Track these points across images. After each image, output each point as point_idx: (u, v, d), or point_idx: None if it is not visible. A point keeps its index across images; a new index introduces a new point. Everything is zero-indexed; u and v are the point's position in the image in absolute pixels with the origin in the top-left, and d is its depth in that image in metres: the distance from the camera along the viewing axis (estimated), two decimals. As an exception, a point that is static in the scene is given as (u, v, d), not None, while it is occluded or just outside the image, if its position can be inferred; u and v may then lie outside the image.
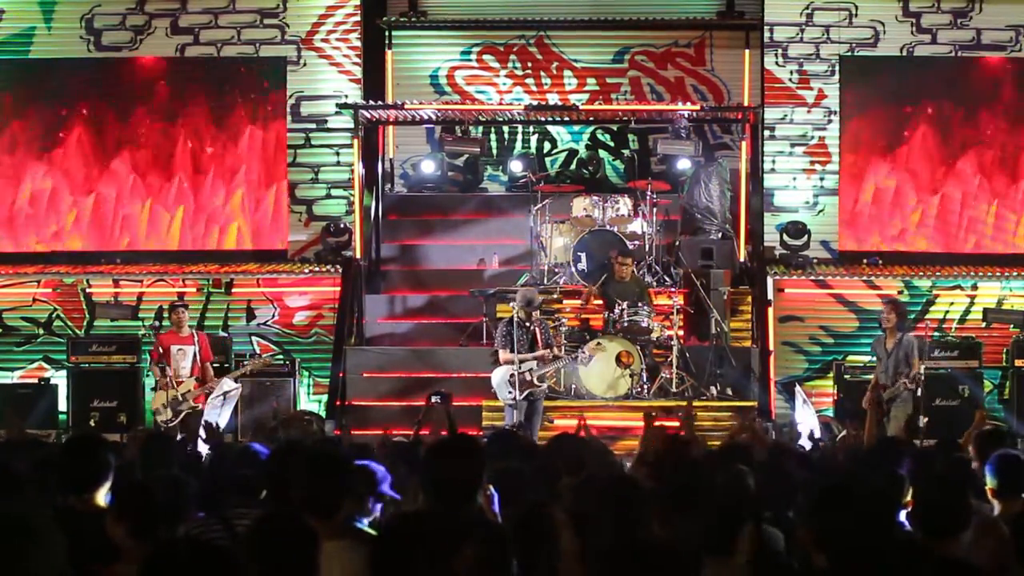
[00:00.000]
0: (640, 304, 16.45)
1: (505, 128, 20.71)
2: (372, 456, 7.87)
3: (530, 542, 5.47)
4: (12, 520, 4.49)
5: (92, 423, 17.36)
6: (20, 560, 4.31)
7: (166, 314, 17.66)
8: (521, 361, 15.47)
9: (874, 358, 16.07)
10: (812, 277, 18.69)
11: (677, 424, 12.79)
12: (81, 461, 6.65)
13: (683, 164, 18.88)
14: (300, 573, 4.76)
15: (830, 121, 19.17)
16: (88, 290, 19.10)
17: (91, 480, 6.58)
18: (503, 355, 15.65)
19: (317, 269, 18.86)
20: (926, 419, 16.19)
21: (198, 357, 16.17)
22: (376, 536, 5.00)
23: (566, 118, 19.73)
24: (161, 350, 16.09)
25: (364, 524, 6.24)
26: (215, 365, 17.05)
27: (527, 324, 15.69)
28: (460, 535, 4.81)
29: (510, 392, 15.47)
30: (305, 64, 19.54)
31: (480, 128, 20.08)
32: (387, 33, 20.47)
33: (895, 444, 9.60)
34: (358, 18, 19.56)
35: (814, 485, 5.96)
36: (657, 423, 10.04)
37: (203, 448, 13.38)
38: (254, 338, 18.82)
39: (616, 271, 16.76)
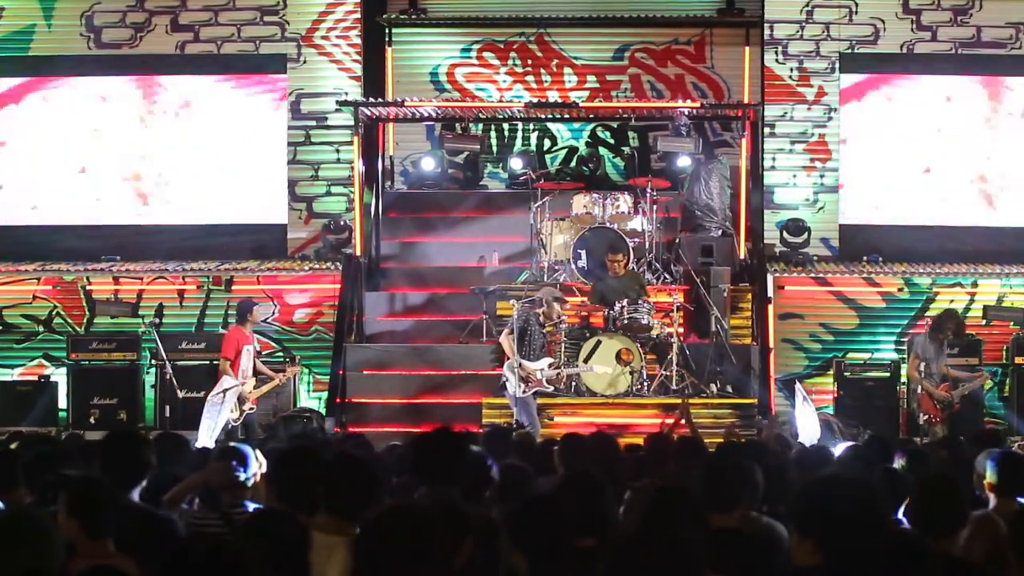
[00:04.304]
0: (640, 301, 16.45)
1: (505, 125, 20.69)
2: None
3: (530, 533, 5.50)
4: (14, 517, 4.52)
5: (92, 421, 17.36)
6: (23, 555, 4.34)
7: (232, 311, 17.58)
8: (525, 361, 15.53)
9: (909, 355, 16.32)
10: (812, 274, 18.71)
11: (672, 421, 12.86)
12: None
13: (683, 161, 18.86)
14: (292, 567, 4.79)
15: (830, 118, 19.18)
16: (88, 287, 19.10)
17: None
18: (505, 337, 15.55)
19: (317, 266, 18.87)
20: (926, 417, 16.24)
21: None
22: (360, 529, 5.04)
23: (566, 115, 19.70)
24: (237, 349, 16.02)
25: None
26: (214, 363, 17.03)
27: (541, 326, 15.79)
28: (453, 530, 4.82)
29: (514, 386, 15.50)
30: (305, 61, 19.56)
31: (480, 125, 20.09)
32: (387, 30, 20.47)
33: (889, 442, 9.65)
34: (358, 15, 19.58)
35: (803, 480, 5.99)
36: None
37: (208, 444, 13.46)
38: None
39: (608, 268, 16.79)
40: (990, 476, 7.17)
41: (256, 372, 16.27)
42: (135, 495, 6.62)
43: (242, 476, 6.92)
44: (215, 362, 16.88)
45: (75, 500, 5.82)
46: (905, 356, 17.81)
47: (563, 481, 6.38)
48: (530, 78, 20.58)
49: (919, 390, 16.37)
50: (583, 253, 17.44)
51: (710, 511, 5.90)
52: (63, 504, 5.87)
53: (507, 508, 5.84)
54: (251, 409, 15.94)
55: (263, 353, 18.20)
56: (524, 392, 15.48)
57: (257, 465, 7.08)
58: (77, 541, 5.67)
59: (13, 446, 9.07)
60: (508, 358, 15.74)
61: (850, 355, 18.30)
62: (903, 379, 17.65)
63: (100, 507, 5.80)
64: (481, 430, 13.57)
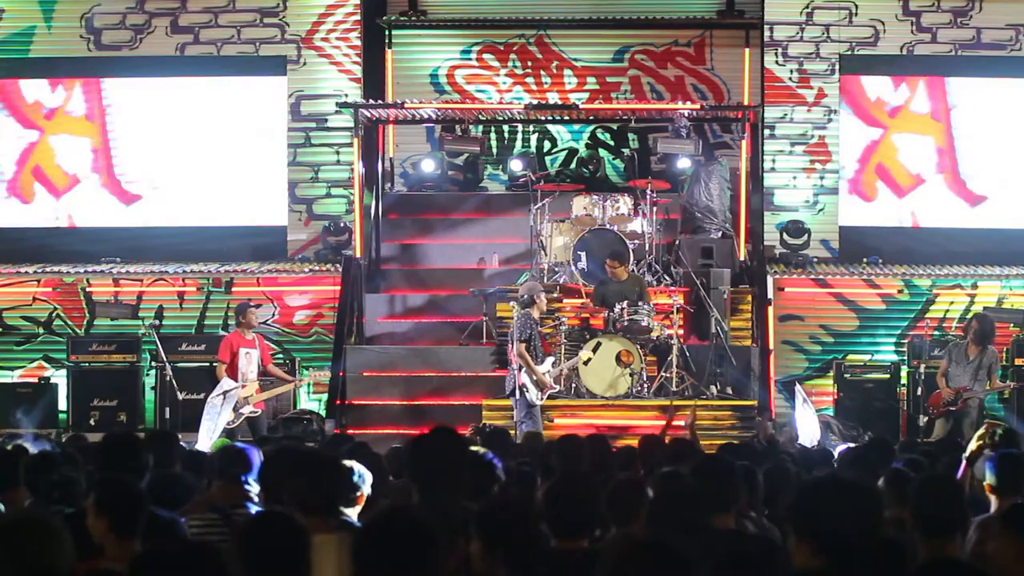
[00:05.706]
0: (640, 303, 16.44)
1: (505, 127, 20.68)
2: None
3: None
4: (29, 520, 4.53)
5: (92, 423, 17.36)
6: (37, 557, 4.36)
7: (230, 315, 17.65)
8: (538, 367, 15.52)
9: (943, 359, 16.26)
10: (812, 276, 18.71)
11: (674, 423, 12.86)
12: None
13: (683, 163, 18.84)
14: (291, 569, 4.79)
15: (830, 120, 19.18)
16: (88, 289, 19.10)
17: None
18: (521, 347, 15.44)
19: (317, 268, 18.87)
20: (927, 419, 16.24)
21: (259, 360, 16.20)
22: (359, 528, 5.04)
23: (566, 117, 19.70)
24: (232, 351, 16.07)
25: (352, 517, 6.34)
26: (214, 365, 17.02)
27: (539, 325, 15.80)
28: (448, 530, 4.82)
29: (535, 395, 15.45)
30: (305, 63, 19.56)
31: (480, 127, 20.08)
32: (387, 32, 20.46)
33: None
34: (358, 17, 19.57)
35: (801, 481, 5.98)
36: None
37: (206, 447, 13.44)
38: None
39: (609, 274, 16.78)
40: (989, 478, 7.16)
41: (266, 374, 16.27)
42: None
43: (252, 491, 6.93)
44: (214, 364, 16.87)
45: (105, 500, 5.80)
46: (905, 358, 17.89)
47: (555, 481, 6.38)
48: (530, 80, 20.58)
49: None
50: (583, 255, 17.42)
51: (708, 512, 5.89)
52: (92, 503, 5.86)
53: (478, 507, 5.80)
54: (253, 412, 15.95)
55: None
56: (541, 399, 15.44)
57: None
58: (105, 541, 5.66)
59: (10, 447, 9.04)
60: (513, 363, 15.57)
61: (850, 357, 18.31)
62: (903, 381, 17.67)
63: (130, 507, 5.78)
64: (469, 430, 13.47)
